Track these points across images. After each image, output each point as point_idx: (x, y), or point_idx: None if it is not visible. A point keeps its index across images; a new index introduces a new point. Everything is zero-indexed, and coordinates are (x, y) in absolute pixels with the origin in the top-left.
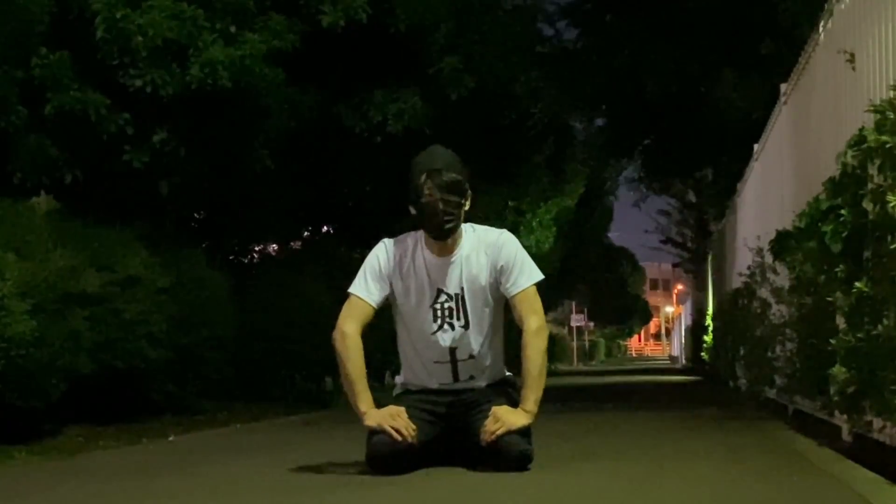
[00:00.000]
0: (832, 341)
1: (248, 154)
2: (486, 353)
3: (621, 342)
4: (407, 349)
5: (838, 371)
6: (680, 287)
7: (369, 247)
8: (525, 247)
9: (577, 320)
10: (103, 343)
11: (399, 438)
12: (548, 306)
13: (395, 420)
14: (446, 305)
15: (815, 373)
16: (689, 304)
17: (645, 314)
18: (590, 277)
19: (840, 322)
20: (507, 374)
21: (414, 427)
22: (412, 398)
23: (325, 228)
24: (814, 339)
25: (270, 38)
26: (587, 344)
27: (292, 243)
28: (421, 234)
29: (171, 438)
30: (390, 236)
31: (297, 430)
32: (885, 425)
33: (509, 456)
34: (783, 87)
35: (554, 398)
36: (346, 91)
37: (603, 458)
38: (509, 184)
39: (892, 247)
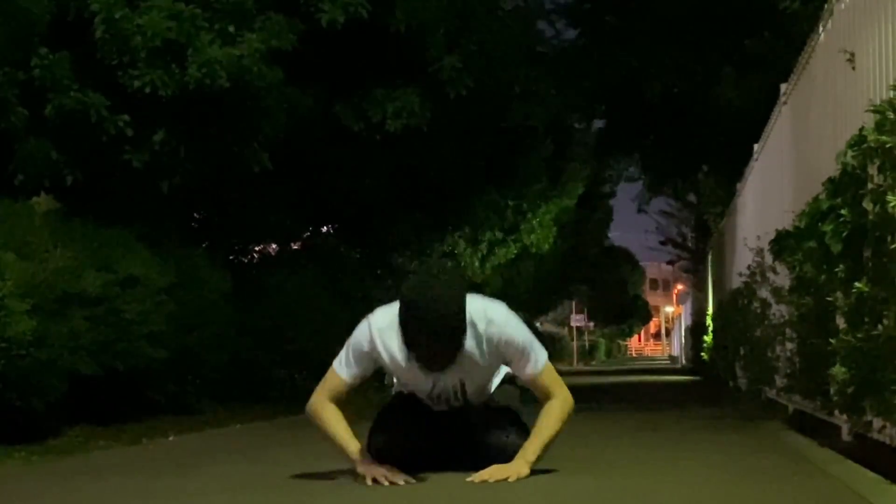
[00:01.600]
0: (832, 341)
1: (247, 154)
2: (482, 393)
3: (621, 342)
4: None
5: (838, 371)
6: (680, 287)
7: (369, 247)
8: (525, 247)
9: (577, 320)
10: (103, 343)
11: (386, 484)
12: (548, 306)
13: (389, 473)
14: (443, 395)
15: (815, 373)
16: (689, 304)
17: (645, 314)
18: (590, 277)
19: (840, 322)
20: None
21: (409, 479)
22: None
23: (325, 228)
24: (814, 339)
25: (269, 37)
26: (587, 344)
27: (292, 243)
28: None
29: (171, 438)
30: (390, 236)
31: (297, 430)
32: (885, 425)
33: (505, 454)
34: (783, 87)
35: None
36: (346, 90)
37: (602, 458)
38: (509, 184)
39: (892, 247)
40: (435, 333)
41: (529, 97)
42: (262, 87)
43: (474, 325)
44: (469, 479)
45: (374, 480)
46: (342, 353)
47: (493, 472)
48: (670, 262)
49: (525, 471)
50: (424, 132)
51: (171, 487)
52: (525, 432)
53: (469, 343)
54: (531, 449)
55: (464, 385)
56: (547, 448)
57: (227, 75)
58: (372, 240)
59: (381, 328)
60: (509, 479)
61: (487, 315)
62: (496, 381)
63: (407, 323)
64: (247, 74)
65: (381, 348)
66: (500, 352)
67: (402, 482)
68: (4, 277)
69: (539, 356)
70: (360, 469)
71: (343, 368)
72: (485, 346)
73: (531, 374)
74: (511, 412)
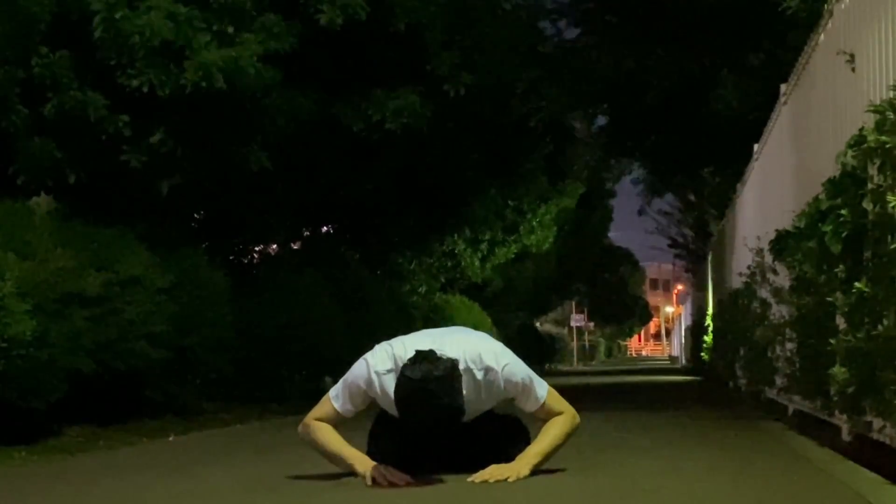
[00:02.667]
0: (832, 341)
1: (245, 154)
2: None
3: (621, 342)
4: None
5: (838, 371)
6: (680, 287)
7: (369, 247)
8: (525, 247)
9: (577, 320)
10: (103, 343)
11: (385, 484)
12: (548, 306)
13: (388, 473)
14: None
15: (815, 373)
16: (689, 304)
17: (645, 314)
18: (590, 277)
19: (840, 322)
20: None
21: (409, 479)
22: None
23: (325, 228)
24: (814, 339)
25: (267, 39)
26: (587, 344)
27: (292, 243)
28: None
29: (171, 438)
30: (391, 235)
31: (297, 430)
32: (885, 425)
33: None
34: (783, 87)
35: None
36: (345, 90)
37: (602, 458)
38: (509, 184)
39: (892, 247)
40: (433, 423)
41: (530, 96)
42: (259, 88)
43: (471, 373)
44: (470, 479)
45: (374, 480)
46: (339, 387)
47: (493, 472)
48: (678, 256)
49: (525, 472)
50: (424, 132)
51: (171, 487)
52: (526, 439)
53: (466, 390)
54: (532, 452)
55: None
56: (548, 456)
57: (224, 77)
58: (372, 240)
59: (380, 372)
60: (509, 480)
61: (484, 362)
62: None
63: (404, 411)
64: (244, 76)
65: (378, 390)
66: (501, 393)
67: (402, 483)
68: (4, 277)
69: (539, 390)
70: (360, 469)
71: (338, 401)
72: (482, 392)
73: (536, 407)
74: (513, 420)
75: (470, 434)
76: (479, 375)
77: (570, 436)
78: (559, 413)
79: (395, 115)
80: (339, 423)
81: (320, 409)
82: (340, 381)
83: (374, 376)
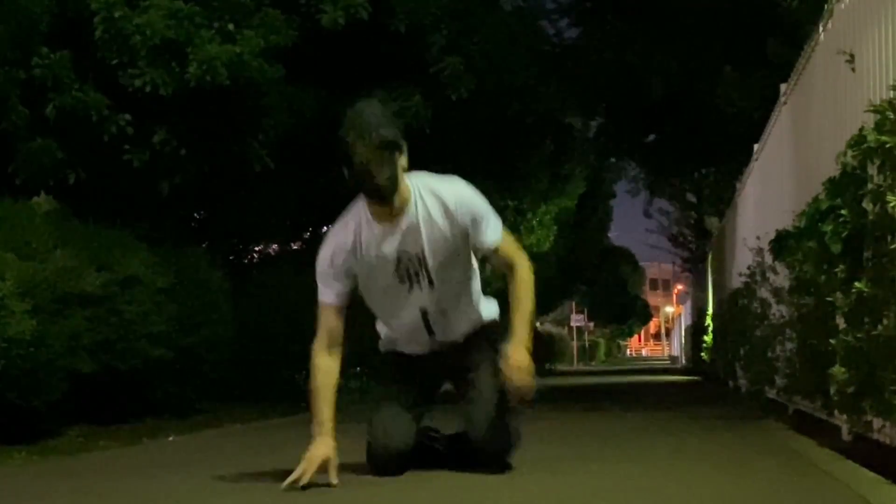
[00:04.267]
0: (832, 341)
1: (247, 153)
2: (458, 304)
3: (621, 342)
4: (379, 319)
5: (838, 371)
6: (680, 287)
7: None
8: (525, 247)
9: (577, 320)
10: (103, 343)
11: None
12: (548, 306)
13: (307, 474)
14: (410, 270)
15: (815, 373)
16: (689, 304)
17: (645, 314)
18: (590, 277)
19: (840, 322)
20: (486, 317)
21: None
22: (394, 366)
23: (325, 228)
24: (814, 339)
25: (268, 34)
26: (587, 344)
27: (292, 243)
28: (363, 205)
29: (171, 438)
30: None
31: (297, 430)
32: (885, 425)
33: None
34: (783, 87)
35: (554, 398)
36: (346, 90)
37: (602, 458)
38: (509, 184)
39: (892, 247)
40: (367, 131)
41: (530, 97)
42: (262, 83)
43: (425, 186)
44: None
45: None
46: (319, 285)
47: (514, 377)
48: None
49: (527, 360)
50: (426, 133)
51: (171, 487)
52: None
53: (421, 202)
54: (521, 331)
55: (426, 261)
56: (532, 320)
57: (228, 72)
58: None
59: (334, 233)
60: (522, 379)
61: (444, 182)
62: (476, 289)
63: (341, 129)
64: (247, 71)
65: (343, 251)
66: (459, 219)
67: (304, 480)
68: (4, 277)
69: (497, 223)
70: (310, 450)
71: (327, 296)
72: (442, 212)
73: (493, 242)
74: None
75: (459, 353)
76: (430, 185)
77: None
78: (514, 258)
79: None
80: (343, 319)
81: (321, 320)
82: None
83: (330, 239)
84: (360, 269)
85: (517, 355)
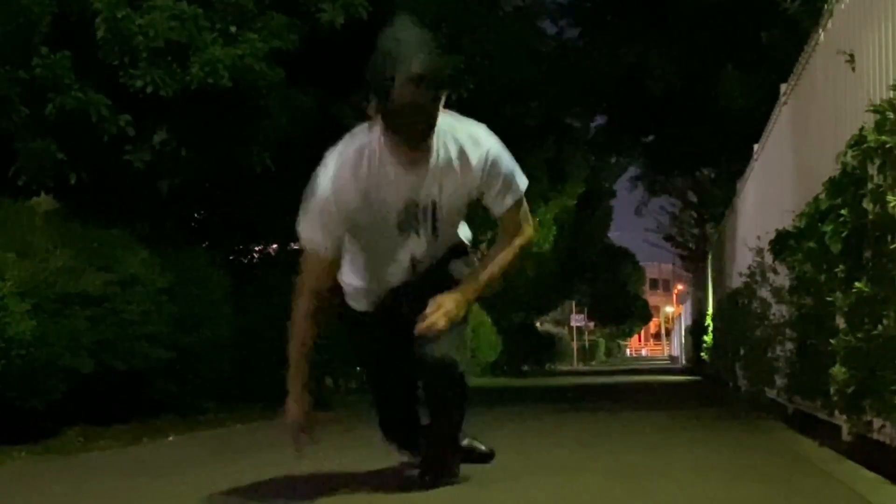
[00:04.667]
0: (832, 341)
1: (248, 154)
2: (447, 246)
3: (621, 342)
4: (350, 268)
5: (838, 371)
6: (680, 287)
7: None
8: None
9: (577, 320)
10: (103, 343)
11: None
12: (548, 306)
13: (299, 433)
14: (415, 218)
15: (815, 373)
16: (689, 304)
17: (645, 314)
18: (590, 277)
19: (840, 322)
20: (461, 239)
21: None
22: (366, 315)
23: None
24: (814, 339)
25: (271, 37)
26: (587, 344)
27: (292, 243)
28: (376, 139)
29: (171, 438)
30: None
31: None
32: (885, 425)
33: (429, 365)
34: (783, 87)
35: (554, 398)
36: (347, 90)
37: (602, 458)
38: None
39: (892, 247)
40: (417, 64)
41: (530, 97)
42: (263, 86)
43: (451, 129)
44: (416, 331)
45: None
46: (309, 222)
47: (432, 316)
48: (678, 254)
49: (454, 308)
50: None
51: (171, 487)
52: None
53: (445, 147)
54: (472, 283)
55: (436, 211)
56: (492, 283)
57: (230, 74)
58: None
59: (338, 166)
60: (437, 321)
61: (470, 132)
62: (462, 227)
63: (381, 57)
64: (249, 74)
65: (352, 191)
66: (480, 177)
67: (297, 447)
68: (4, 277)
69: (522, 183)
70: (287, 414)
71: (320, 240)
72: (468, 163)
73: (509, 204)
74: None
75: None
76: (456, 130)
77: (522, 256)
78: (524, 225)
79: None
80: (334, 274)
81: (306, 275)
82: (308, 208)
83: (335, 174)
84: (362, 214)
85: (448, 303)
